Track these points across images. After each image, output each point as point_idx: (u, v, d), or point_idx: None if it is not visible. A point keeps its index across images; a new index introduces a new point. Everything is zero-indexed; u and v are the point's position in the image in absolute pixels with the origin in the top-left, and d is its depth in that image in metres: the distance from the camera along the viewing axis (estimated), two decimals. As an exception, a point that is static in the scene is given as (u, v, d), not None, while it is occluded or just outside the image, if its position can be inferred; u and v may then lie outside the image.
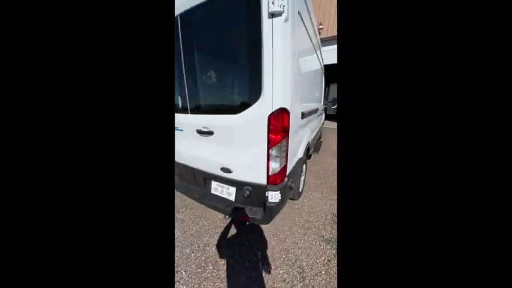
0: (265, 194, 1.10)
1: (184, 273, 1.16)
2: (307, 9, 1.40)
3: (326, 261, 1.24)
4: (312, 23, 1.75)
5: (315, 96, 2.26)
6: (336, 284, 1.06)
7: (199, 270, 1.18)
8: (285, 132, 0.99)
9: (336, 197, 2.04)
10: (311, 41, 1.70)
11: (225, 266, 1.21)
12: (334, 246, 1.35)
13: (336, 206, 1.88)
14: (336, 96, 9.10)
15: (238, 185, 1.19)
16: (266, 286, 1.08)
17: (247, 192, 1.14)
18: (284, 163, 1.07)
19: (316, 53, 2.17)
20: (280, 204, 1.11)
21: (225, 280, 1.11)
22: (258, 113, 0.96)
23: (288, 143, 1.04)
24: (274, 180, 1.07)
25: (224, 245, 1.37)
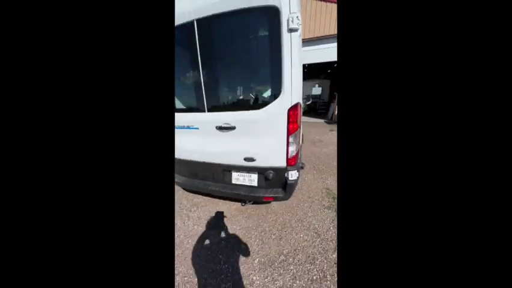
0: (284, 174, 1.34)
1: (223, 256, 1.29)
2: None
3: (330, 220, 1.60)
4: None
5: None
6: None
7: (235, 248, 1.33)
8: (298, 122, 1.25)
9: (324, 175, 2.49)
10: None
11: (257, 237, 1.40)
12: (334, 210, 1.73)
13: (326, 182, 2.31)
14: (309, 93, 10.09)
15: (260, 171, 1.39)
16: (296, 247, 1.34)
17: (271, 175, 1.35)
18: (298, 148, 1.34)
19: None
20: (297, 181, 1.38)
21: (260, 244, 1.31)
22: (280, 107, 1.18)
23: (300, 131, 1.30)
24: (292, 161, 1.32)
25: (251, 225, 1.55)
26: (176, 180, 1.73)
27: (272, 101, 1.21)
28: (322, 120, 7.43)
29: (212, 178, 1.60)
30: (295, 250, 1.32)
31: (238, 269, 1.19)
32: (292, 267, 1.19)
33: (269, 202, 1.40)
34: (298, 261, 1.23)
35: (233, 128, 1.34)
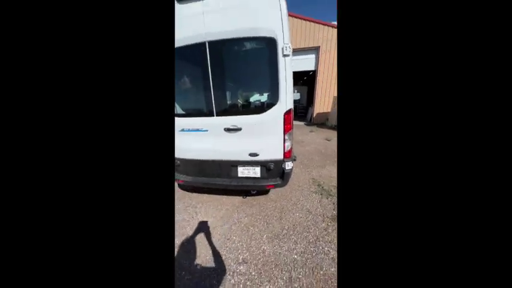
0: (282, 165, 1.68)
1: (235, 237, 1.54)
2: None
3: (318, 202, 2.00)
4: None
5: None
6: (329, 211, 1.82)
7: (245, 230, 1.59)
8: (291, 123, 1.61)
9: (309, 169, 2.93)
10: None
11: (262, 220, 1.68)
12: (319, 194, 2.14)
13: (312, 173, 2.74)
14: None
15: (263, 163, 1.69)
16: (294, 223, 1.67)
17: (271, 166, 1.67)
18: (291, 143, 1.69)
19: None
20: (291, 170, 1.72)
21: (265, 224, 1.60)
22: (277, 112, 1.52)
23: (293, 131, 1.66)
24: (287, 154, 1.66)
25: (255, 212, 1.82)
26: (183, 179, 1.89)
27: (271, 107, 1.54)
28: (302, 123, 8.16)
29: (220, 174, 1.83)
30: (293, 225, 1.65)
31: (250, 244, 1.46)
32: (293, 236, 1.51)
33: (268, 191, 1.69)
34: (297, 232, 1.56)
35: (239, 129, 1.63)
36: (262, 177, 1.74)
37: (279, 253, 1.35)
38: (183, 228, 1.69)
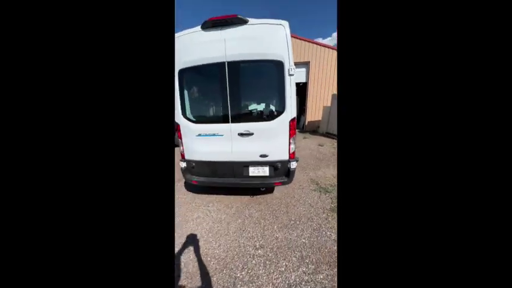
0: (287, 165, 1.96)
1: (250, 228, 1.74)
2: None
3: (318, 197, 2.29)
4: None
5: None
6: (327, 205, 2.11)
7: (257, 223, 1.80)
8: (295, 129, 1.92)
9: (307, 171, 3.23)
10: None
11: (271, 214, 1.91)
12: (318, 191, 2.44)
13: (309, 175, 3.05)
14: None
15: (271, 164, 1.95)
16: (299, 215, 1.92)
17: (279, 166, 1.94)
18: (295, 146, 2.00)
19: None
20: (295, 169, 2.01)
21: (274, 217, 1.82)
22: (284, 119, 1.83)
23: (296, 135, 1.98)
24: (292, 155, 1.96)
25: (263, 208, 2.04)
26: (197, 180, 2.08)
27: (279, 116, 1.85)
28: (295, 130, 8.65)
29: (233, 174, 2.05)
30: (299, 217, 1.90)
31: (263, 233, 1.67)
32: (299, 225, 1.75)
33: (273, 189, 1.94)
34: (302, 222, 1.81)
35: (251, 134, 1.90)
36: (270, 176, 2.00)
37: (290, 239, 1.58)
38: (200, 224, 1.86)
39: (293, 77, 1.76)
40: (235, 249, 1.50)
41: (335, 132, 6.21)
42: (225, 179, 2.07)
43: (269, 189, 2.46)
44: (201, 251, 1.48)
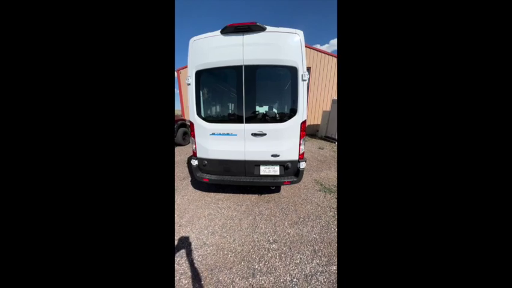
0: (297, 165, 2.06)
1: (261, 225, 1.81)
2: None
3: (323, 197, 2.39)
4: None
5: None
6: (333, 204, 2.21)
7: (268, 220, 1.88)
8: (305, 131, 2.04)
9: (310, 172, 3.35)
10: None
11: (280, 212, 1.99)
12: (323, 191, 2.55)
13: (313, 176, 3.16)
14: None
15: (282, 163, 2.05)
16: (307, 213, 2.01)
17: (289, 165, 2.04)
18: (304, 147, 2.10)
19: None
20: (304, 169, 2.11)
21: (283, 215, 1.90)
22: (296, 121, 1.94)
23: (305, 137, 2.09)
24: (302, 156, 2.06)
25: (272, 206, 2.12)
26: (208, 178, 2.14)
27: (291, 118, 1.96)
28: (294, 133, 8.84)
29: (244, 172, 2.12)
30: (307, 214, 1.99)
31: (276, 229, 1.74)
32: (309, 222, 1.84)
33: (279, 189, 2.02)
34: (311, 219, 1.90)
35: (264, 134, 1.99)
36: (280, 175, 2.09)
37: (301, 234, 1.67)
38: (212, 220, 1.91)
39: (305, 82, 1.89)
40: (250, 243, 1.56)
41: (334, 136, 6.40)
42: (236, 177, 2.14)
43: (276, 189, 2.55)
44: (217, 245, 1.54)
